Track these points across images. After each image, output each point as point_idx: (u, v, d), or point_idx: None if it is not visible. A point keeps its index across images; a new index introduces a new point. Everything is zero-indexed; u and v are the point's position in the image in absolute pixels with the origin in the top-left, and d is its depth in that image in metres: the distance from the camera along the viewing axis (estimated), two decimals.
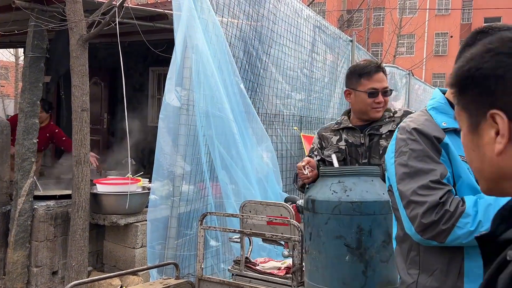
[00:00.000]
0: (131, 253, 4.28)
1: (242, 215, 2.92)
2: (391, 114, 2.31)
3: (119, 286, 4.09)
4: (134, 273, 4.14)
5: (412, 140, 1.33)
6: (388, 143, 1.51)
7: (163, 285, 2.79)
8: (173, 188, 3.16)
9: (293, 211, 2.84)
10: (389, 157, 1.37)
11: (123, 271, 2.61)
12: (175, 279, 2.83)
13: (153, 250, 3.20)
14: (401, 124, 1.41)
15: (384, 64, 2.80)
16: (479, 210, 1.21)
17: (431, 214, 1.22)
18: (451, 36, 29.71)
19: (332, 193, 1.90)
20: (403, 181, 1.30)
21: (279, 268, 2.92)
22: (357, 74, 2.28)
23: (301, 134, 5.07)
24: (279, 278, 2.78)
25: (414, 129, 1.34)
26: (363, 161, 2.27)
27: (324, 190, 1.94)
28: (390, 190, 1.46)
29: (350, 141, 2.32)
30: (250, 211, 2.99)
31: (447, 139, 1.32)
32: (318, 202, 1.93)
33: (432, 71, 28.72)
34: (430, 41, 28.36)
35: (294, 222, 2.54)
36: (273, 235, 2.70)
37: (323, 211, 1.91)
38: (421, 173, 1.27)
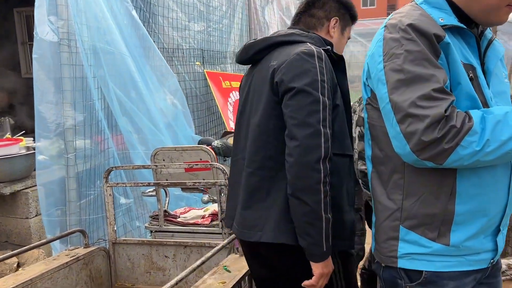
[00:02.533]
0: (25, 224, 3.72)
1: (156, 165, 2.54)
2: None
3: (16, 264, 3.54)
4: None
5: (407, 39, 1.06)
6: None
7: (70, 257, 2.36)
8: (65, 143, 2.63)
9: (213, 154, 2.53)
10: (375, 62, 1.10)
11: (15, 251, 2.11)
12: (84, 247, 2.42)
13: (50, 219, 2.72)
14: (390, 21, 1.12)
15: None
16: (487, 127, 1.01)
17: (433, 130, 1.00)
18: None
19: None
20: (398, 90, 1.04)
21: (203, 217, 2.66)
22: None
23: (204, 70, 4.67)
24: (206, 227, 2.52)
25: (410, 25, 1.07)
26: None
27: None
28: (369, 104, 1.19)
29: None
30: (163, 160, 2.62)
31: (447, 38, 1.08)
32: None
33: None
34: None
35: (218, 164, 2.25)
36: (195, 182, 2.38)
37: None
38: (421, 80, 1.02)
